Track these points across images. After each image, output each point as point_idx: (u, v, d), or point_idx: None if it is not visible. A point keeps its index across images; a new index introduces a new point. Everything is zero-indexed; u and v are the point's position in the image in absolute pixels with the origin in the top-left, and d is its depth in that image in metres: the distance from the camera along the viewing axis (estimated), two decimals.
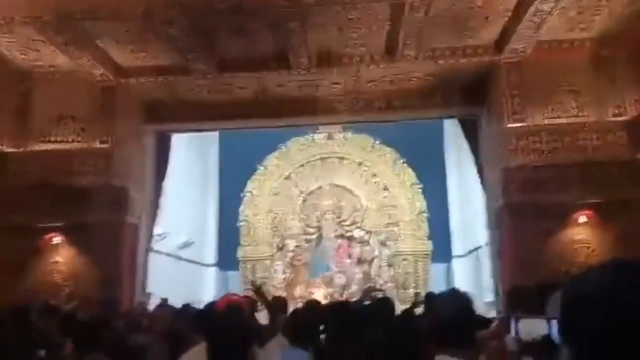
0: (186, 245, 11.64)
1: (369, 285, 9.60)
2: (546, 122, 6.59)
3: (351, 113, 7.68)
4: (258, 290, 5.36)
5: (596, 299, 0.79)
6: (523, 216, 6.52)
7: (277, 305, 5.23)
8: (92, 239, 6.78)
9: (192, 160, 12.16)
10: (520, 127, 6.59)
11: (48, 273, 6.97)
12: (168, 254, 10.93)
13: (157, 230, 9.54)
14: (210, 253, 13.51)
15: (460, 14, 5.86)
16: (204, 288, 13.24)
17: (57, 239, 7.01)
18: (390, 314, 3.68)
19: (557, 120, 6.61)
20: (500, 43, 6.53)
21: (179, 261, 11.71)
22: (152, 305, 7.18)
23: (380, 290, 8.27)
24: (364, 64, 6.69)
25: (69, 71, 6.70)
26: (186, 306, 5.62)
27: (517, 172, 6.58)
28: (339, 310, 3.91)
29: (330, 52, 6.52)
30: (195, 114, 7.58)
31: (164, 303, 6.33)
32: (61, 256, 7.01)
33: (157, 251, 10.24)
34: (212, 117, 7.63)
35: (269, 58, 6.54)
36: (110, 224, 6.87)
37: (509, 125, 6.62)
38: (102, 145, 6.69)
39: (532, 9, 5.62)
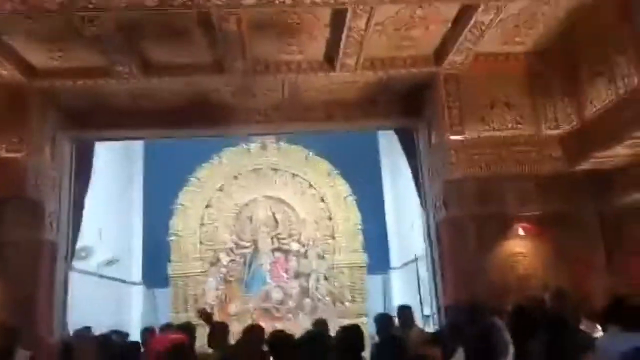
0: (111, 262, 10.84)
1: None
2: (484, 134, 6.59)
3: (289, 123, 7.38)
4: (208, 319, 5.12)
5: None
6: (463, 229, 6.46)
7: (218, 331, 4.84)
8: (5, 260, 6.04)
9: (114, 169, 11.40)
10: (459, 139, 6.54)
11: None
12: (91, 273, 10.14)
13: (78, 246, 8.79)
14: (136, 270, 12.72)
15: (402, 23, 5.73)
16: (131, 307, 12.47)
17: None
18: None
19: (495, 133, 6.62)
20: (439, 54, 6.47)
21: (103, 280, 10.91)
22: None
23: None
24: (302, 72, 6.41)
25: None
26: (108, 337, 5.07)
27: (457, 184, 6.52)
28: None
29: (267, 57, 6.19)
30: (120, 121, 6.98)
31: (82, 333, 5.70)
32: None
33: (79, 270, 9.47)
34: (139, 124, 7.06)
35: (201, 61, 6.11)
36: (25, 242, 6.14)
37: (448, 138, 6.56)
38: (13, 155, 5.95)
39: (472, 20, 5.59)
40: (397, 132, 8.02)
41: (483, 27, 5.74)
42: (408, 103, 7.33)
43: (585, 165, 6.28)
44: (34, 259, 6.19)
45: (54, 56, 5.70)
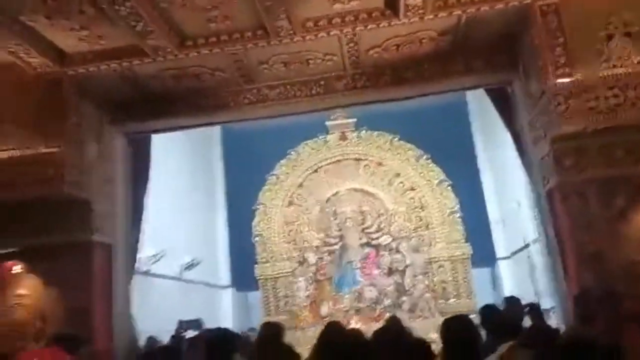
0: (192, 265, 10.48)
1: None
2: (601, 73, 5.09)
3: (353, 92, 6.32)
4: None
5: None
6: (583, 197, 5.04)
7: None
8: (53, 265, 5.66)
9: (192, 168, 11.07)
10: (568, 83, 5.11)
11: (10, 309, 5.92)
12: (171, 277, 9.83)
13: (150, 250, 8.45)
14: (224, 273, 12.34)
15: None
16: (221, 313, 12.10)
17: (16, 268, 5.99)
18: None
19: (615, 71, 5.09)
20: None
21: (188, 284, 10.59)
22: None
23: None
24: (360, 24, 5.36)
25: None
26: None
27: (570, 140, 5.11)
28: None
29: (314, 11, 5.20)
30: (170, 109, 6.38)
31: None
32: (23, 287, 5.93)
33: (156, 275, 9.18)
34: (190, 111, 6.41)
35: (242, 27, 5.27)
36: (73, 244, 5.71)
37: (553, 83, 5.15)
38: (50, 150, 5.47)
39: None
40: (488, 91, 6.66)
41: None
42: (497, 51, 6.01)
43: None
44: (85, 263, 5.72)
45: (80, 36, 5.14)
